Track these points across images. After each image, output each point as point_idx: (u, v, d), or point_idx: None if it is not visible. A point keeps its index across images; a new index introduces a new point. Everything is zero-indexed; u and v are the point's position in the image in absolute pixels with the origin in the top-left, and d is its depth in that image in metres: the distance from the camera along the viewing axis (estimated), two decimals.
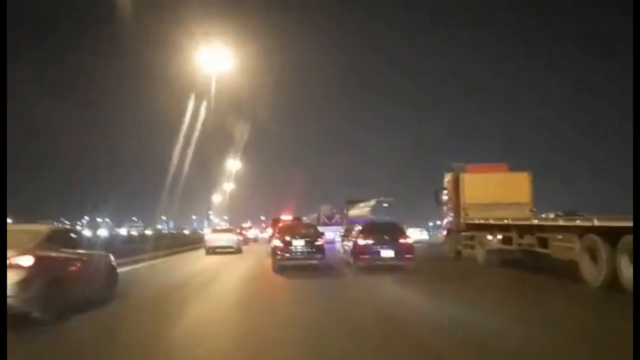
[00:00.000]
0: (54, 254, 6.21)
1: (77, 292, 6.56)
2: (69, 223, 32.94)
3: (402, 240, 12.15)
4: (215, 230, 25.04)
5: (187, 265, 16.18)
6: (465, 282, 10.66)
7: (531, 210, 14.64)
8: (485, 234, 13.69)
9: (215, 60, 28.35)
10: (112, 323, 6.14)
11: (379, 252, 11.82)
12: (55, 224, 10.39)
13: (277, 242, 12.37)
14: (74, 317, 6.11)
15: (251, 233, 37.68)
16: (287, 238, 12.30)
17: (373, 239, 12.05)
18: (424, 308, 7.19)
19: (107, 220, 66.22)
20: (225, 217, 59.24)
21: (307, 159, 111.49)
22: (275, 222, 19.24)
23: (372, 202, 28.76)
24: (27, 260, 5.68)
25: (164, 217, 63.47)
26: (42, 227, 6.63)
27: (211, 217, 52.18)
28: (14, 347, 4.51)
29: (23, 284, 5.55)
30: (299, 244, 12.17)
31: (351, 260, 12.77)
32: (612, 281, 8.00)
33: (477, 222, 14.56)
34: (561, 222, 10.62)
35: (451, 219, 16.74)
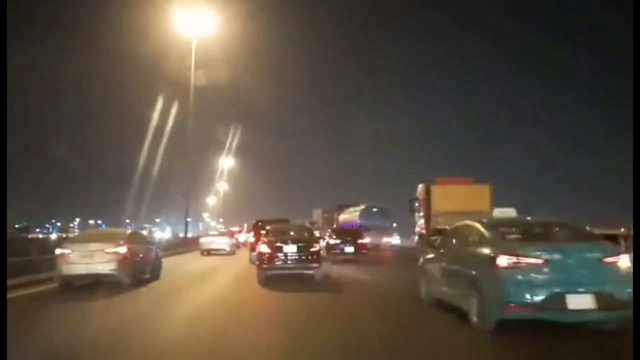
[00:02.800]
0: (134, 246, 11.41)
1: (144, 270, 11.76)
2: (59, 224, 38.56)
3: (359, 241, 19.07)
4: (209, 234, 30.35)
5: None
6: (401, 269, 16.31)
7: None
8: None
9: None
10: (162, 288, 11.58)
11: (343, 249, 18.55)
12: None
13: (264, 248, 11.98)
14: (142, 286, 11.30)
15: (241, 237, 38.56)
16: (277, 243, 11.91)
17: (340, 239, 18.88)
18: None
19: (99, 222, 71.78)
20: (221, 220, 64.22)
21: (303, 163, 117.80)
22: (258, 225, 18.83)
23: (362, 207, 33.94)
24: (123, 249, 10.85)
25: (157, 220, 68.87)
26: (127, 230, 11.91)
27: (207, 219, 57.24)
28: (111, 298, 9.62)
29: (121, 263, 10.70)
30: (290, 250, 11.75)
31: (325, 254, 18.75)
32: None
33: (444, 227, 19.64)
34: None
35: (422, 225, 21.94)
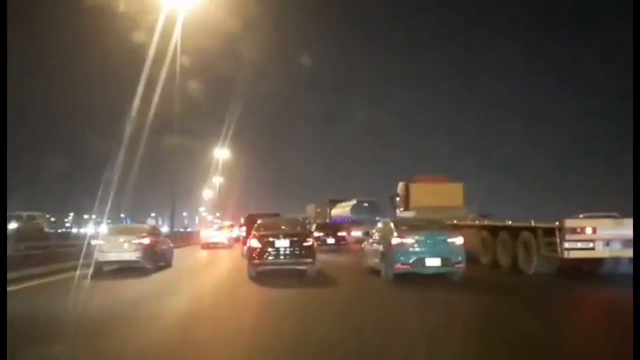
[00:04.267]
0: (154, 238, 15.63)
1: (160, 258, 15.97)
2: (54, 219, 43.65)
3: (339, 233, 24.37)
4: (209, 229, 34.69)
5: None
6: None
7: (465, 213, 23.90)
8: None
9: None
10: (177, 271, 15.84)
11: (325, 240, 23.51)
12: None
13: (254, 242, 12.51)
14: (160, 270, 15.49)
15: (233, 232, 38.41)
16: (268, 238, 12.42)
17: (322, 232, 24.00)
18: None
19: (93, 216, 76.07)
20: (218, 214, 68.03)
21: (298, 158, 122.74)
22: (251, 218, 20.67)
23: (353, 202, 38.08)
24: (146, 240, 15.05)
25: (153, 214, 73.04)
26: (147, 224, 16.29)
27: (203, 213, 61.09)
28: (142, 277, 13.75)
29: (145, 251, 14.84)
30: (282, 244, 12.24)
31: None
32: (513, 264, 13.28)
33: None
34: (469, 222, 19.79)
35: None
